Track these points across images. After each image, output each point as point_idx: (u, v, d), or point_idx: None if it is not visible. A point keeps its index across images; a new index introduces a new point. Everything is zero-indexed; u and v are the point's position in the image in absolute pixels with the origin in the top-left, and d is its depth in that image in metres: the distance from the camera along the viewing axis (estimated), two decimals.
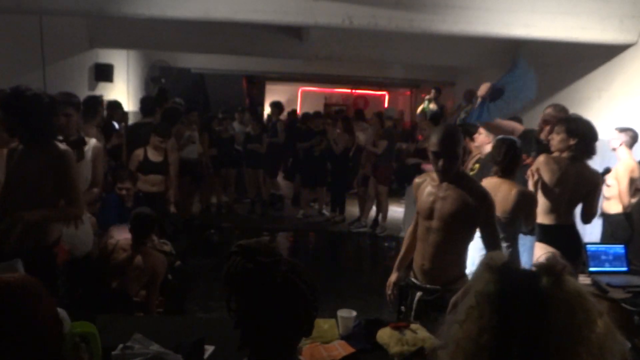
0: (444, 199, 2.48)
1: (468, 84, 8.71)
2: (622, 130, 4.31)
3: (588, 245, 3.48)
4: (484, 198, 2.45)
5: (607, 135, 5.02)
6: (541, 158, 3.28)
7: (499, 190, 3.07)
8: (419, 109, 9.27)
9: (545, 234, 3.31)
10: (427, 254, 2.55)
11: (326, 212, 8.36)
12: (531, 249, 3.59)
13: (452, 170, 2.45)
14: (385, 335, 2.11)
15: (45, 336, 1.25)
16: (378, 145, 7.19)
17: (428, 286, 2.54)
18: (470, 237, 2.56)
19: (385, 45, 7.05)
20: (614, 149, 4.33)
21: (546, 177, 3.25)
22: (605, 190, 4.33)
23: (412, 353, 2.00)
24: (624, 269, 3.41)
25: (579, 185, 3.30)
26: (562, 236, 3.32)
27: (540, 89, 6.02)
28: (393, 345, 2.04)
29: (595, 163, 5.12)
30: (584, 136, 3.21)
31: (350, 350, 2.08)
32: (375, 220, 7.63)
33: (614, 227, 4.27)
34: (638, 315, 2.88)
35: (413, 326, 2.16)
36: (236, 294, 1.32)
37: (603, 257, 3.43)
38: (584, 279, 3.32)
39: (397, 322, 2.18)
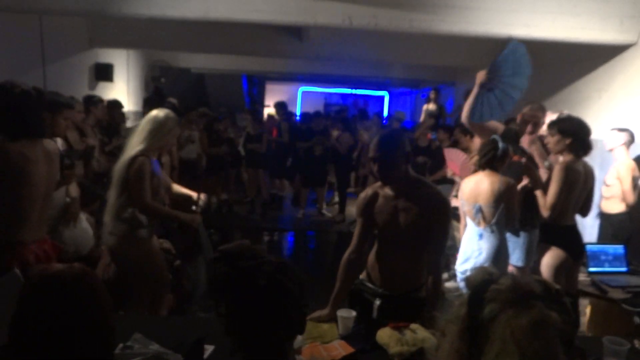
0: (406, 211, 2.35)
1: (468, 84, 8.72)
2: (622, 130, 4.31)
3: (588, 246, 3.49)
4: (444, 204, 2.35)
5: (609, 134, 5.04)
6: (562, 165, 3.25)
7: (482, 183, 3.21)
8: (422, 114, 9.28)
9: (554, 235, 3.29)
10: (392, 265, 2.45)
11: (326, 212, 8.36)
12: (523, 246, 3.58)
13: (388, 177, 2.35)
14: (385, 335, 2.11)
15: (99, 327, 1.29)
16: None
17: (388, 293, 2.44)
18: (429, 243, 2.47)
19: (385, 45, 7.05)
20: (611, 150, 4.33)
21: (572, 181, 3.23)
22: (605, 190, 4.33)
23: (411, 353, 2.00)
24: (624, 269, 3.42)
25: (586, 183, 3.31)
26: (571, 236, 3.31)
27: (541, 89, 6.07)
28: (393, 345, 2.04)
29: (595, 163, 5.13)
30: (576, 134, 3.22)
31: (350, 350, 2.08)
32: None
33: (616, 227, 4.25)
34: (638, 315, 2.88)
35: (413, 326, 2.16)
36: (223, 300, 1.30)
37: (603, 258, 3.44)
38: (583, 279, 3.33)
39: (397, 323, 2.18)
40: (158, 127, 2.93)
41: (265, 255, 1.32)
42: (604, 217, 4.39)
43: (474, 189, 3.25)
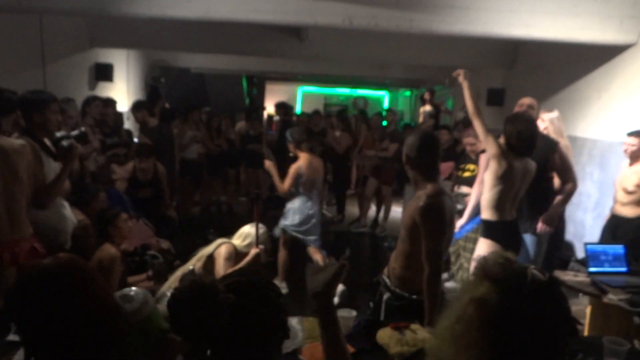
0: (407, 210, 2.49)
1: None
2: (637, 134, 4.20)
3: (588, 246, 3.48)
4: (418, 212, 2.37)
5: (607, 136, 5.03)
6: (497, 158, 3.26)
7: None
8: (420, 116, 9.28)
9: (492, 230, 3.28)
10: (398, 259, 2.56)
11: (326, 212, 8.35)
12: (530, 247, 3.59)
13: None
14: (385, 335, 2.11)
15: (97, 315, 1.28)
16: (389, 148, 7.15)
17: (397, 290, 2.53)
18: None
19: (385, 45, 7.05)
20: (636, 157, 4.17)
21: (494, 171, 3.25)
22: (623, 196, 4.22)
23: (412, 354, 2.00)
24: (624, 269, 3.41)
25: (524, 181, 3.28)
26: (506, 231, 3.28)
27: (541, 89, 6.07)
28: (393, 345, 2.04)
29: (595, 163, 5.14)
30: (509, 136, 3.22)
31: (350, 350, 2.08)
32: (375, 220, 7.63)
33: (636, 231, 4.09)
34: (638, 315, 2.88)
35: (413, 326, 2.16)
36: (191, 343, 1.29)
37: (603, 258, 3.43)
38: (583, 279, 3.33)
39: (397, 323, 2.18)
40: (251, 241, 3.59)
41: (219, 289, 1.25)
42: (619, 220, 4.24)
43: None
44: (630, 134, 4.20)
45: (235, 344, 1.24)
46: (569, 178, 3.74)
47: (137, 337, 1.41)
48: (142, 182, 5.01)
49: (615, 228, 4.28)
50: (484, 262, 1.14)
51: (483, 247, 3.24)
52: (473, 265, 3.30)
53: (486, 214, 3.28)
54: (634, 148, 4.16)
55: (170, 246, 4.67)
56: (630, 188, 4.14)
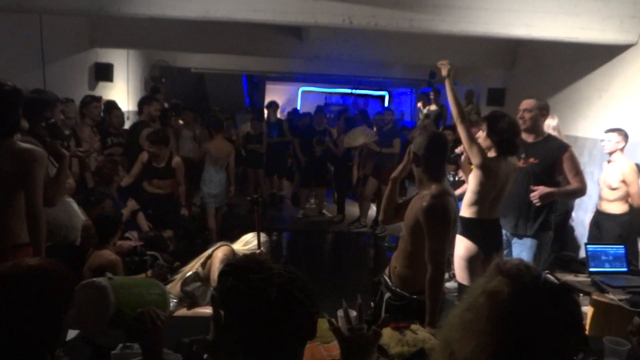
0: (410, 209, 2.50)
1: (468, 84, 8.72)
2: (618, 130, 4.26)
3: (588, 246, 3.48)
4: (422, 212, 2.37)
5: (607, 136, 5.02)
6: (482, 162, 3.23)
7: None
8: (422, 116, 9.28)
9: (469, 228, 3.25)
10: (399, 258, 2.57)
11: (326, 212, 8.35)
12: (530, 249, 3.58)
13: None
14: (385, 335, 2.10)
15: (49, 313, 1.33)
16: (393, 144, 7.13)
17: (398, 290, 2.54)
18: None
19: (385, 45, 7.05)
20: (611, 153, 4.26)
21: (479, 178, 3.22)
22: (609, 194, 4.26)
23: (412, 354, 2.00)
24: (624, 269, 3.41)
25: (509, 180, 3.25)
26: (484, 230, 3.26)
27: (541, 89, 6.07)
28: (393, 345, 2.04)
29: (596, 163, 5.14)
30: (502, 134, 3.17)
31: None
32: (375, 220, 7.63)
33: (622, 227, 4.21)
34: (638, 315, 2.88)
35: (413, 327, 2.16)
36: (234, 314, 1.31)
37: (603, 258, 3.43)
38: (583, 279, 3.33)
39: (397, 323, 2.18)
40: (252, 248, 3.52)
41: (273, 267, 1.31)
42: (606, 217, 4.33)
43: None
44: (608, 131, 4.28)
45: (272, 330, 1.27)
46: (578, 180, 3.63)
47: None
48: (154, 170, 4.99)
49: (602, 225, 4.35)
50: (499, 261, 1.17)
51: (460, 244, 3.18)
52: (456, 263, 3.32)
53: (464, 212, 3.26)
54: (610, 144, 4.24)
55: (171, 236, 4.71)
56: (615, 184, 4.24)
